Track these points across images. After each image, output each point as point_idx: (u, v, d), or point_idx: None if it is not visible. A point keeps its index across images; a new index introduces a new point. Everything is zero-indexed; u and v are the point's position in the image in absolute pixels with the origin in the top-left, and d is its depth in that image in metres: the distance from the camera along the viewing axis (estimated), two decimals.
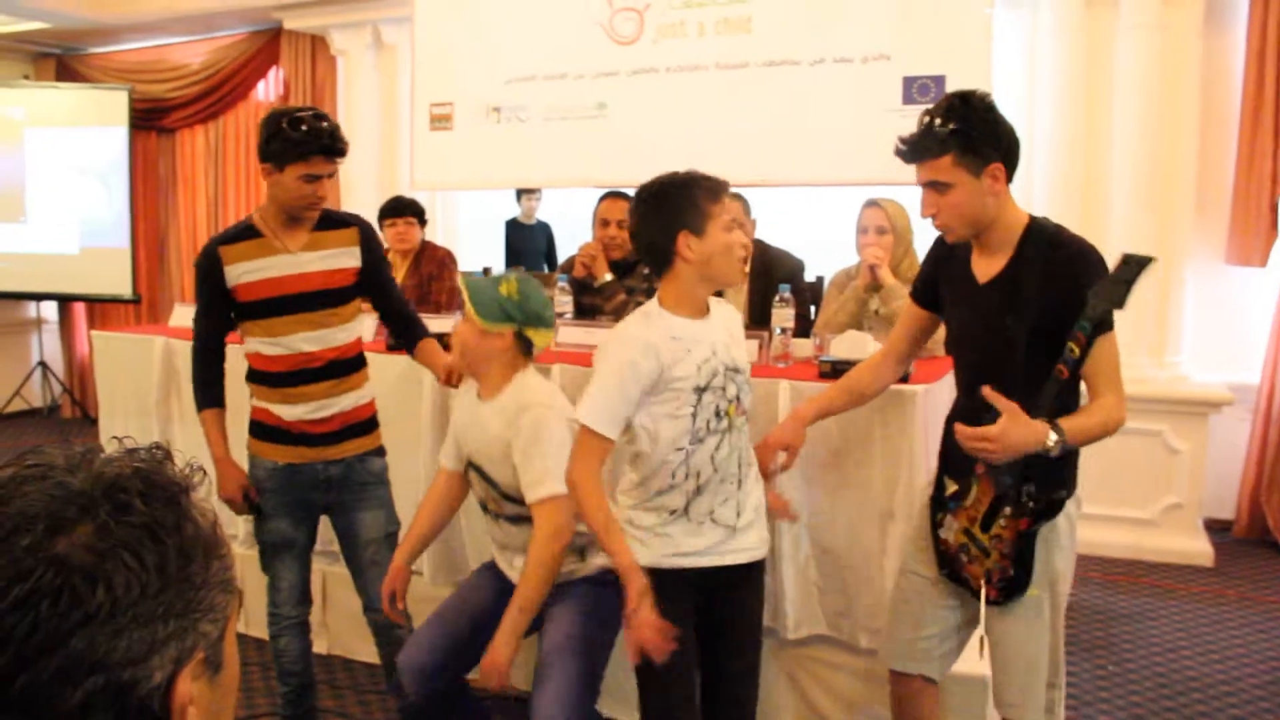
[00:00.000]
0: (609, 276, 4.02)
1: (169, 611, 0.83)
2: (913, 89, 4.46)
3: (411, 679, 2.70)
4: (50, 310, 8.44)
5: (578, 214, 5.36)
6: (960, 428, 2.23)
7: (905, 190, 4.43)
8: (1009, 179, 2.28)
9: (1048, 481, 2.26)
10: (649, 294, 3.76)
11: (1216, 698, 3.56)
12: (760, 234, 4.18)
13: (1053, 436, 2.15)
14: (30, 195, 7.69)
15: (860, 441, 2.93)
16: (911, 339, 2.63)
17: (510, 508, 2.71)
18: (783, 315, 3.32)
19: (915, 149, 2.28)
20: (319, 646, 3.73)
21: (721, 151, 4.69)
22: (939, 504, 2.45)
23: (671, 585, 2.36)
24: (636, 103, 5.14)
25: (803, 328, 3.65)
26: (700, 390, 2.34)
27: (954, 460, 2.38)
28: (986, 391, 2.25)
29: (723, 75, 4.92)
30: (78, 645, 0.78)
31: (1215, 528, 5.14)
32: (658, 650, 2.26)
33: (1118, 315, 2.24)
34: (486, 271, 3.82)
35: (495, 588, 2.81)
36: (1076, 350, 2.16)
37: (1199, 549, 4.89)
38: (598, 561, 2.69)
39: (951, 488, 2.40)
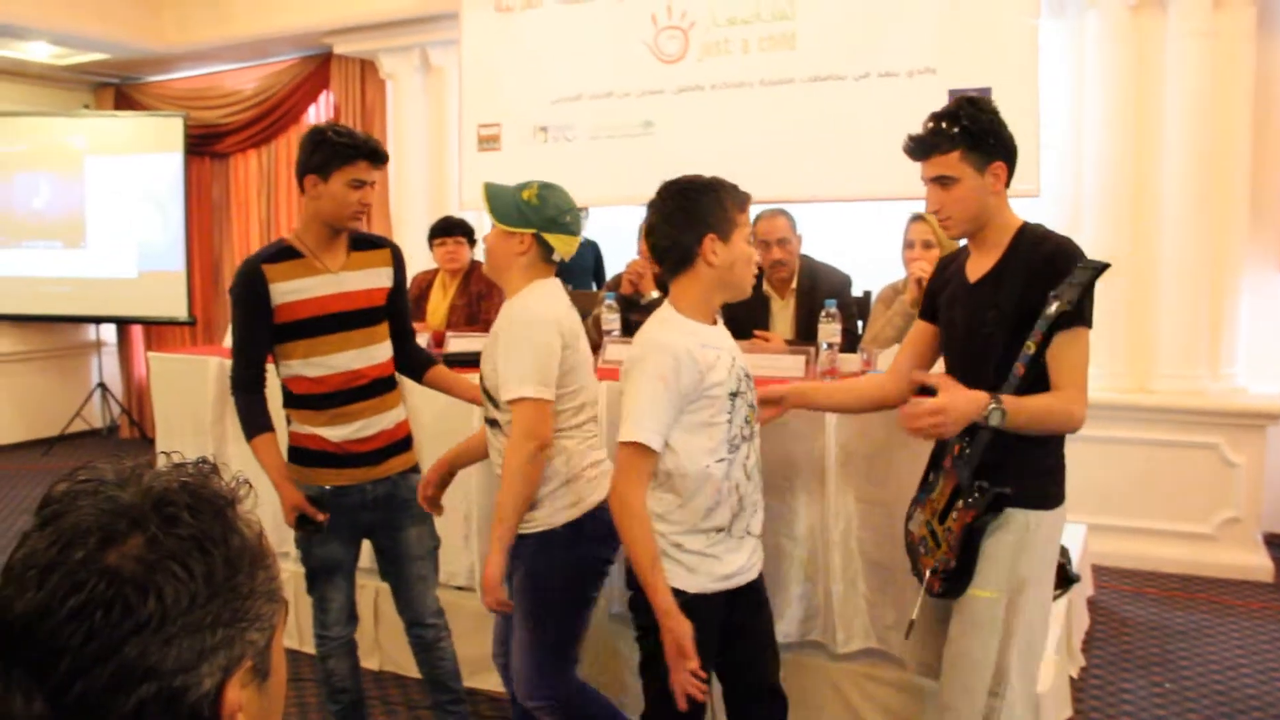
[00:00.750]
0: (656, 294, 4.04)
1: (217, 620, 0.86)
2: None
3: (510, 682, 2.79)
4: (109, 333, 8.62)
5: (625, 232, 5.39)
6: (908, 407, 2.29)
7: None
8: (1009, 180, 2.37)
9: (999, 478, 2.28)
10: None
11: (1278, 717, 3.49)
12: (806, 249, 4.18)
13: (990, 405, 2.20)
14: (90, 221, 7.86)
15: (911, 455, 2.92)
16: (918, 354, 2.64)
17: (491, 410, 2.69)
18: (829, 330, 3.32)
19: (923, 145, 2.37)
20: (371, 663, 3.76)
21: (767, 168, 4.71)
22: (916, 499, 2.50)
23: (706, 611, 2.33)
24: (682, 120, 5.17)
25: (849, 343, 3.64)
26: (733, 395, 2.33)
27: (935, 457, 2.45)
28: (915, 375, 2.41)
29: (768, 92, 4.94)
30: (130, 653, 0.81)
31: (1275, 542, 5.04)
32: (699, 693, 2.25)
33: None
34: None
35: None
36: (1033, 347, 2.23)
37: (1258, 564, 4.80)
38: (541, 515, 2.63)
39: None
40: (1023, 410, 2.23)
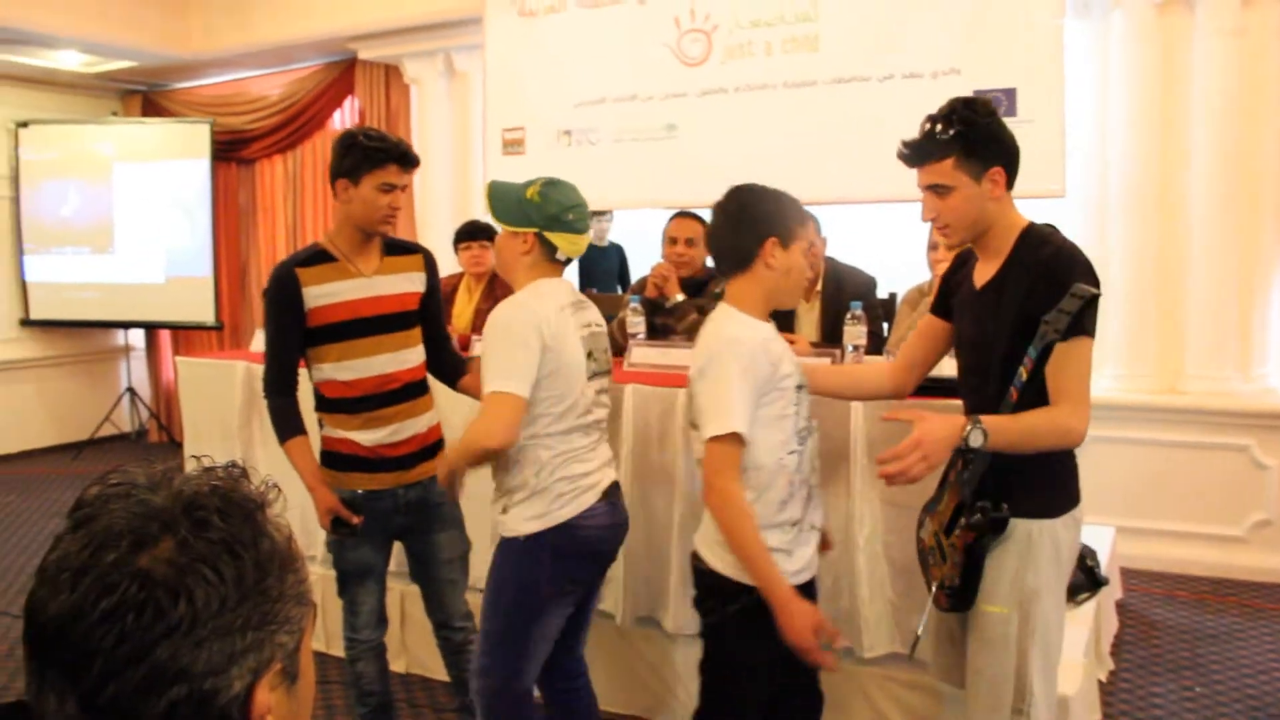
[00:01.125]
0: (681, 296, 4.04)
1: (247, 623, 0.87)
2: None
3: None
4: (138, 338, 8.69)
5: (649, 235, 5.40)
6: (881, 457, 2.24)
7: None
8: (1009, 185, 2.29)
9: (1000, 497, 2.24)
10: None
11: None
12: (831, 252, 4.17)
13: (969, 429, 2.15)
14: (119, 227, 7.94)
15: None
16: (924, 349, 2.62)
17: None
18: (855, 333, 3.31)
19: (917, 152, 2.30)
20: (397, 666, 3.78)
21: (791, 170, 4.69)
22: (927, 505, 2.48)
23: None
24: (705, 123, 5.17)
25: (875, 345, 3.63)
26: (799, 388, 2.38)
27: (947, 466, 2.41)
28: (886, 415, 2.39)
29: (791, 94, 4.93)
30: (161, 656, 0.82)
31: None
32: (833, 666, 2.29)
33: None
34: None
35: None
36: (1024, 374, 2.18)
37: None
38: (509, 520, 2.61)
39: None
40: (1007, 430, 2.17)
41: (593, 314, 2.71)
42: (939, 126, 2.26)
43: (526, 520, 2.57)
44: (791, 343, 3.79)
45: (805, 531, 2.41)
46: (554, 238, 2.60)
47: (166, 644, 0.82)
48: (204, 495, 0.90)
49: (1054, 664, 2.36)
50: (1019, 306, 2.22)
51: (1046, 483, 2.29)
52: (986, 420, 2.16)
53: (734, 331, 2.35)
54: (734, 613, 2.35)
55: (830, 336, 3.87)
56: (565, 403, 2.56)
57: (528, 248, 2.61)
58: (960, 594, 2.32)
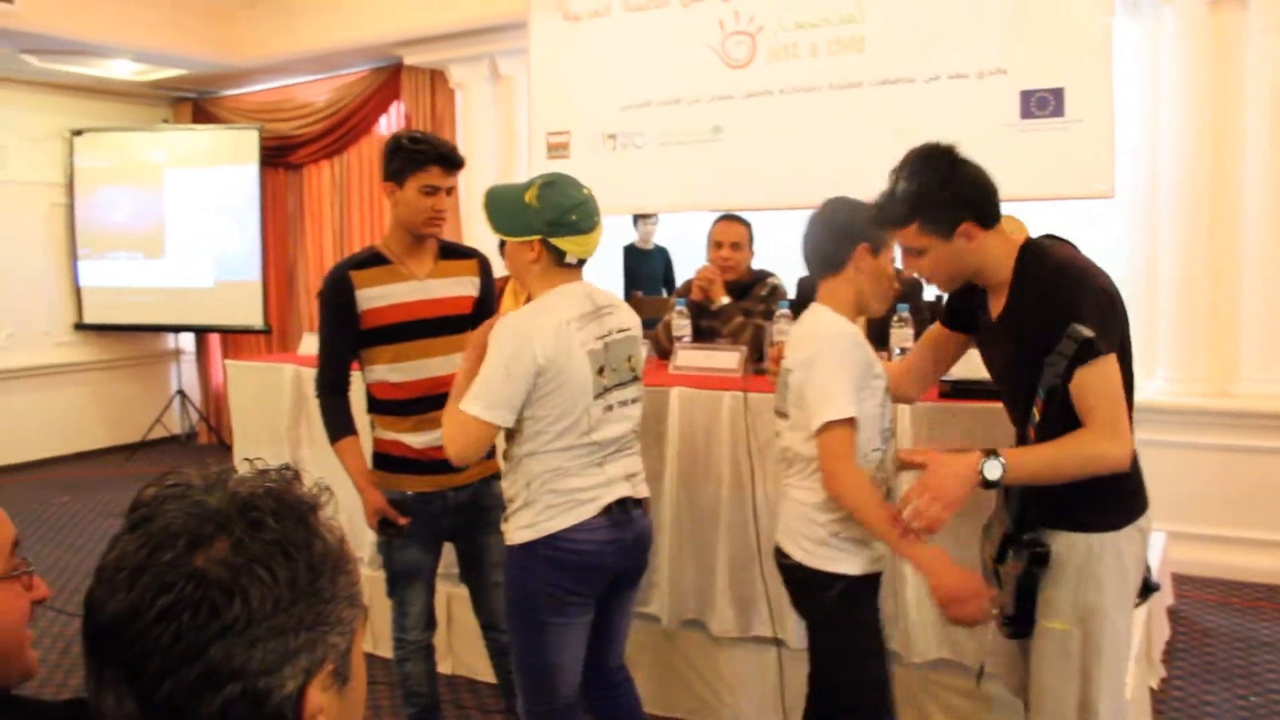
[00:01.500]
0: (726, 299, 4.04)
1: (300, 624, 0.88)
2: (1031, 103, 4.40)
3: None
4: (188, 341, 8.83)
5: (695, 238, 5.40)
6: (898, 511, 2.25)
7: (1022, 206, 4.37)
8: (987, 223, 2.23)
9: (1050, 516, 2.22)
10: (767, 315, 3.79)
11: None
12: None
13: (986, 464, 2.11)
14: (169, 233, 8.06)
15: None
16: (931, 359, 2.61)
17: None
18: (901, 335, 3.30)
19: (882, 216, 2.30)
20: (443, 667, 3.79)
21: (836, 171, 4.68)
22: (985, 529, 2.49)
23: (869, 593, 2.43)
24: (751, 125, 5.16)
25: None
26: (886, 390, 2.43)
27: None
28: (901, 454, 2.39)
29: (836, 95, 4.91)
30: (216, 655, 0.84)
31: None
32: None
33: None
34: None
35: None
36: (1037, 414, 2.15)
37: None
38: (507, 529, 2.59)
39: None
40: (1026, 462, 2.13)
41: (615, 320, 2.59)
42: (899, 187, 2.25)
43: (519, 530, 2.54)
44: None
45: None
46: (559, 242, 2.48)
47: (221, 643, 0.84)
48: (258, 497, 0.91)
49: (1121, 678, 2.33)
50: (1031, 338, 2.18)
51: (1106, 495, 2.23)
52: (1006, 452, 2.14)
53: (836, 326, 2.41)
54: (832, 601, 2.39)
55: (877, 339, 3.84)
56: (565, 421, 2.47)
57: (535, 255, 2.49)
58: (1015, 621, 2.30)
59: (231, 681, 0.84)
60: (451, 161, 2.94)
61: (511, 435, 2.53)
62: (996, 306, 2.32)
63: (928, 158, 2.25)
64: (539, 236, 2.48)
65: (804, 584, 2.44)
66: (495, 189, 2.61)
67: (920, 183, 2.22)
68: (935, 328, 2.60)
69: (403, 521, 2.95)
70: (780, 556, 2.50)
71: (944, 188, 2.21)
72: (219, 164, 8.02)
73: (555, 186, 2.50)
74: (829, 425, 2.29)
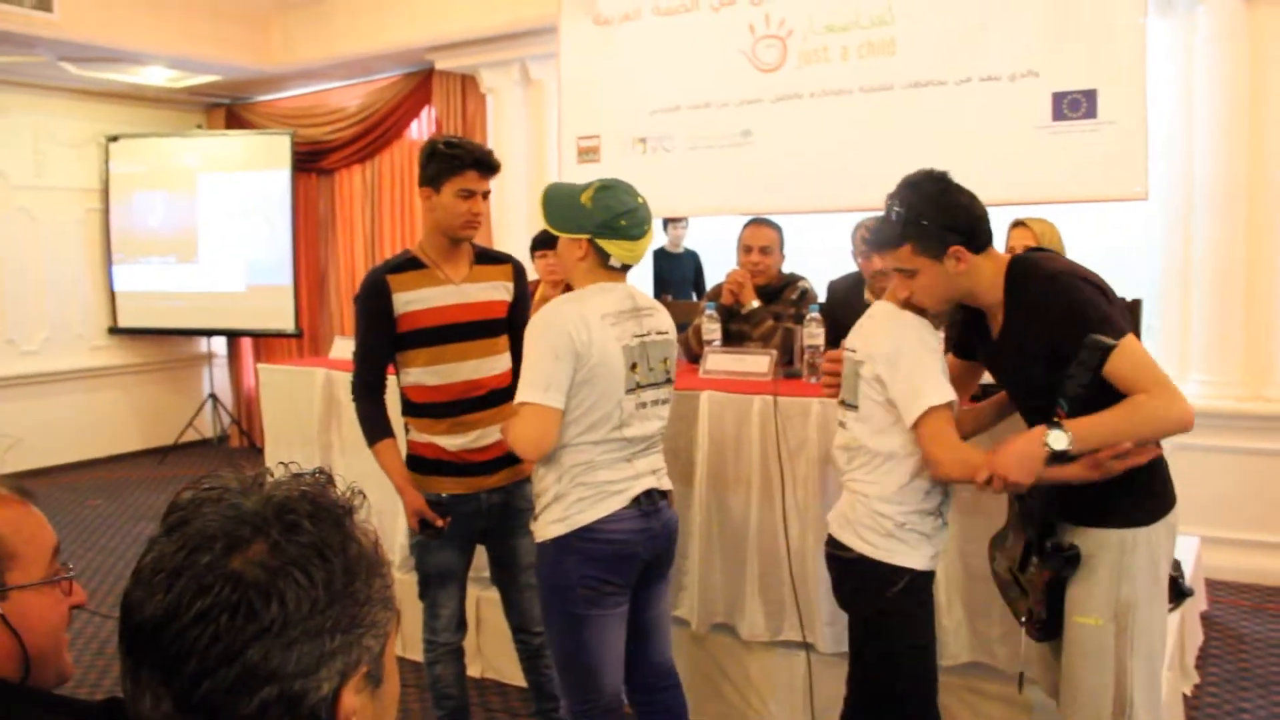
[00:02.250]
0: (756, 303, 4.04)
1: (335, 626, 0.89)
2: (1063, 105, 4.38)
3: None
4: (220, 345, 8.91)
5: (725, 242, 5.41)
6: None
7: (1054, 209, 4.36)
8: (977, 248, 2.30)
9: (1083, 519, 2.28)
10: (797, 319, 3.79)
11: None
12: None
13: (1053, 434, 2.15)
14: (202, 237, 8.15)
15: None
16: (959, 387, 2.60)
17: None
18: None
19: (876, 240, 2.39)
20: (472, 670, 3.83)
21: (867, 175, 4.66)
22: (994, 540, 2.53)
23: (927, 591, 2.47)
24: (781, 129, 5.17)
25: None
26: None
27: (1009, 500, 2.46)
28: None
29: (867, 99, 4.91)
30: (253, 656, 0.85)
31: None
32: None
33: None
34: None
35: None
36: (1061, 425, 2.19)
37: None
38: (537, 527, 2.64)
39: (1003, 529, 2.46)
40: (1094, 429, 2.16)
41: (654, 321, 2.66)
42: (893, 212, 2.31)
43: (551, 524, 2.59)
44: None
45: (942, 522, 2.48)
46: (606, 245, 2.57)
47: (258, 645, 0.85)
48: (294, 500, 0.93)
49: (1158, 672, 2.36)
50: (1032, 346, 2.26)
51: (1138, 489, 2.27)
52: (1069, 422, 2.16)
53: (910, 317, 2.43)
54: (896, 595, 2.41)
55: None
56: (598, 413, 2.54)
57: (582, 253, 2.60)
58: (1047, 625, 2.35)
59: (268, 683, 0.86)
60: (488, 166, 2.98)
61: None
62: (995, 326, 2.38)
63: (919, 184, 2.33)
64: (588, 236, 2.57)
65: (866, 577, 2.45)
66: (554, 185, 2.71)
67: (911, 208, 2.29)
68: (950, 359, 2.62)
69: (440, 523, 2.99)
70: (838, 549, 2.50)
71: (935, 212, 2.28)
72: (251, 169, 8.10)
73: (610, 191, 2.59)
74: (932, 411, 2.32)
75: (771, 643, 3.44)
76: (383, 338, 3.00)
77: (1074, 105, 4.35)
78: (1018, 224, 3.70)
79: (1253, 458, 4.77)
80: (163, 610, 0.86)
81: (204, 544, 0.88)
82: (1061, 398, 2.16)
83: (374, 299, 2.97)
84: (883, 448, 2.42)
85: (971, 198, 2.32)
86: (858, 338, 2.52)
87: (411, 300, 2.96)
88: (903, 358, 2.37)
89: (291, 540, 0.89)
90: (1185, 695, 3.53)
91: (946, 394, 2.33)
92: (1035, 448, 2.18)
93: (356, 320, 3.06)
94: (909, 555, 2.41)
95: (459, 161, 2.92)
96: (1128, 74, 4.29)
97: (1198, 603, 4.04)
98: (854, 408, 2.48)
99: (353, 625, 0.91)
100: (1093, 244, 4.42)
